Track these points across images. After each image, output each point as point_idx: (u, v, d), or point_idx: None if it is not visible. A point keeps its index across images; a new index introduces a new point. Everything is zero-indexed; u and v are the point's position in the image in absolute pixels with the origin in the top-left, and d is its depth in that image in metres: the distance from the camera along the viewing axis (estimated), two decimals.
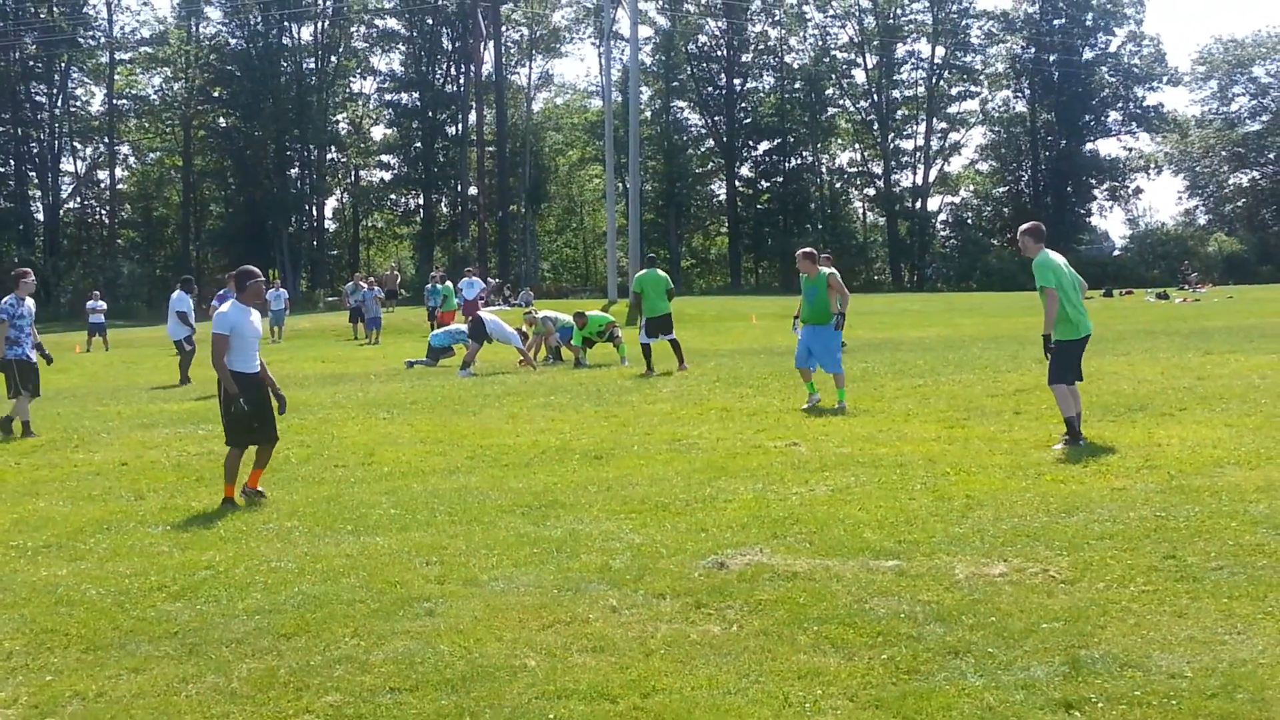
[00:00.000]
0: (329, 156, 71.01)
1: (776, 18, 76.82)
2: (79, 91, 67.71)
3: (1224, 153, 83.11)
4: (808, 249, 14.17)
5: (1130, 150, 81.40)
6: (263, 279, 9.79)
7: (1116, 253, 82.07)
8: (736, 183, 77.51)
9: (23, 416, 13.72)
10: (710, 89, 77.28)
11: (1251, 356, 16.70)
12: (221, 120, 69.03)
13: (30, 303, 13.82)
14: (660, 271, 19.39)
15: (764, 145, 78.28)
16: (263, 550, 7.41)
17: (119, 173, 68.92)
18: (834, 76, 77.20)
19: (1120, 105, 78.61)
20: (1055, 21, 76.27)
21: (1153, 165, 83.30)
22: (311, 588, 6.44)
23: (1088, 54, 76.84)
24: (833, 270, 13.72)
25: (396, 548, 7.30)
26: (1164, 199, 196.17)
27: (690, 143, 77.92)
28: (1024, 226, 10.86)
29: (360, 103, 74.41)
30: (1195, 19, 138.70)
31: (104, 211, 68.99)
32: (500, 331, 21.45)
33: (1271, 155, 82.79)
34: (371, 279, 37.87)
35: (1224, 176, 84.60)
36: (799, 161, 78.13)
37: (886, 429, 11.36)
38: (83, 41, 64.26)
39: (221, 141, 68.57)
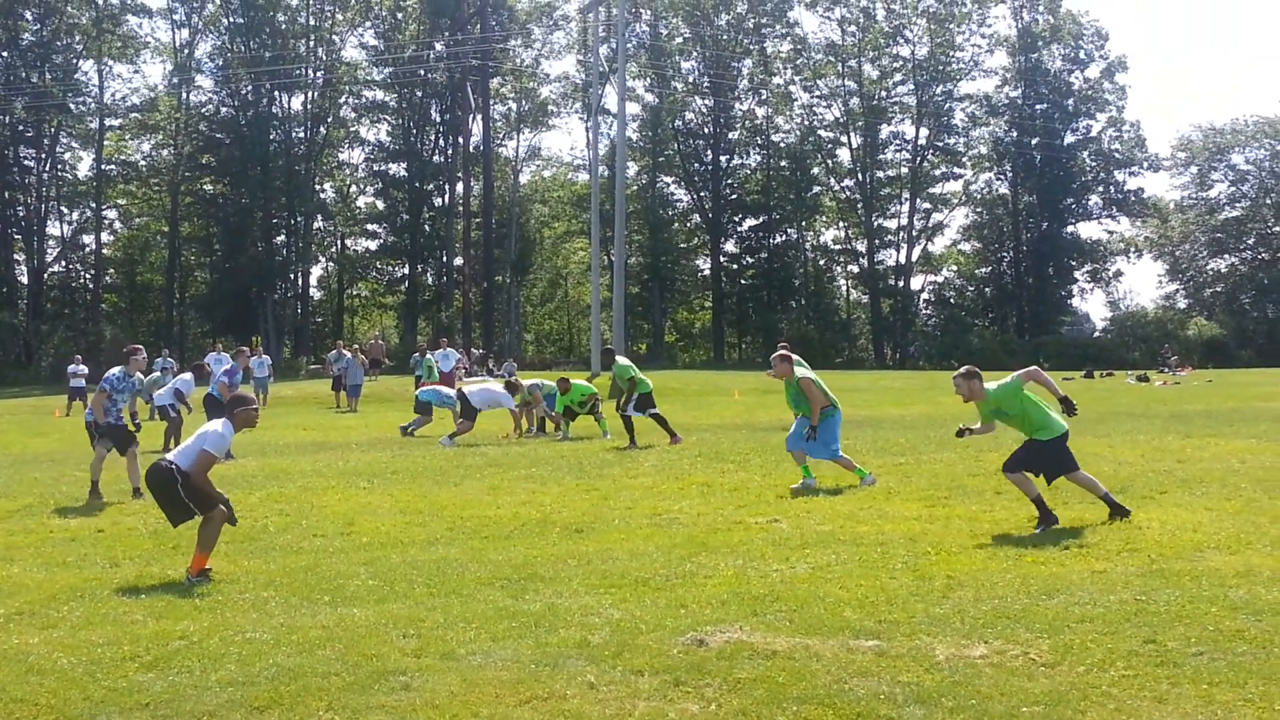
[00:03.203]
0: (315, 225, 71.28)
1: (763, 97, 77.78)
2: (67, 156, 67.99)
3: (1203, 238, 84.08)
4: (782, 351, 14.14)
5: (1111, 234, 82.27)
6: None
7: (1097, 334, 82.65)
8: (721, 258, 77.95)
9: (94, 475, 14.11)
10: (696, 165, 77.97)
11: (1231, 441, 16.79)
12: (209, 187, 69.28)
13: (138, 376, 14.99)
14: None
15: (749, 221, 78.87)
16: (238, 621, 7.34)
17: (104, 237, 69.06)
18: (819, 155, 77.99)
19: (1101, 189, 79.55)
20: (1037, 106, 77.32)
21: (1133, 249, 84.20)
22: (286, 659, 6.37)
23: (1069, 138, 77.88)
24: (804, 373, 13.57)
25: (374, 620, 7.24)
26: (1144, 282, 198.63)
27: (676, 217, 78.46)
28: (962, 372, 11.03)
29: (348, 172, 74.89)
30: (1175, 106, 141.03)
31: (88, 275, 68.96)
32: (487, 398, 21.44)
33: (1250, 241, 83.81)
34: (356, 346, 37.90)
35: (1203, 261, 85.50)
36: (783, 238, 78.71)
37: (868, 507, 11.35)
38: (73, 107, 64.57)
39: (208, 208, 68.81)
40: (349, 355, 35.81)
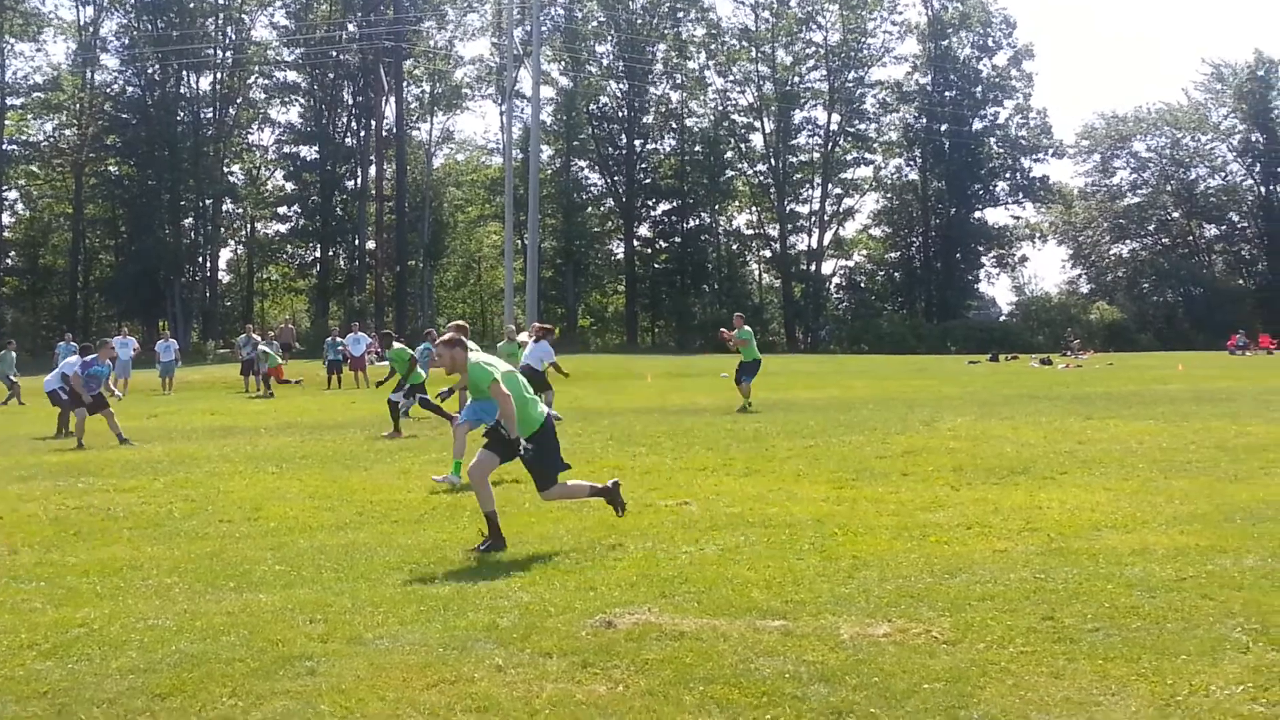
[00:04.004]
0: (224, 207, 70.11)
1: (678, 81, 77.86)
2: None
3: (1106, 224, 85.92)
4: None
5: (1017, 219, 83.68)
6: None
7: (1003, 318, 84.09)
8: (635, 242, 77.99)
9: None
10: (610, 149, 77.86)
11: (1129, 423, 17.20)
12: (114, 168, 67.77)
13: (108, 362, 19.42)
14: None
15: (663, 206, 79.00)
16: (140, 607, 7.22)
17: (5, 219, 67.27)
18: (732, 140, 78.30)
19: (1008, 176, 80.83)
20: (947, 93, 78.29)
21: (1038, 235, 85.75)
22: (190, 646, 6.29)
23: (977, 125, 79.02)
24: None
25: (280, 605, 7.16)
26: (1049, 267, 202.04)
27: (590, 202, 78.28)
28: (445, 338, 9.46)
29: (258, 154, 73.71)
30: (1080, 94, 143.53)
31: None
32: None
33: (1151, 227, 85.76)
34: (271, 333, 37.36)
35: (1106, 247, 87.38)
36: (697, 222, 78.91)
37: (777, 489, 11.46)
38: None
39: (114, 190, 67.27)
40: (259, 339, 35.36)
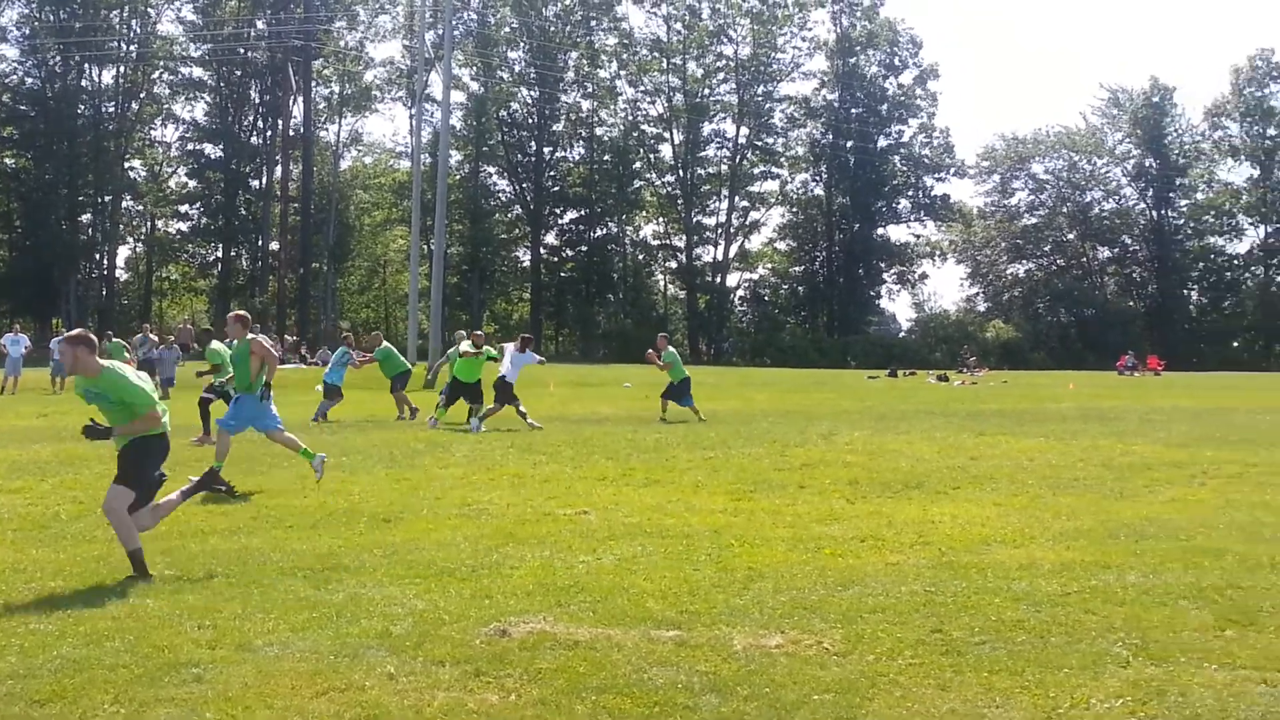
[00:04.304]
0: (124, 204, 68.69)
1: (589, 90, 78.03)
2: None
3: (1004, 244, 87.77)
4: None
5: (918, 237, 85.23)
6: None
7: (902, 334, 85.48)
8: (541, 250, 78.00)
9: None
10: (520, 156, 77.76)
11: (1021, 439, 17.55)
12: (10, 160, 66.08)
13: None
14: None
15: (570, 214, 79.09)
16: (22, 611, 7.05)
17: None
18: (642, 150, 78.64)
19: (910, 193, 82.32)
20: (853, 110, 79.46)
21: (938, 253, 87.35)
22: (72, 651, 6.15)
23: (882, 142, 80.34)
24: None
25: (168, 610, 7.03)
26: (948, 285, 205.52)
27: (497, 208, 78.13)
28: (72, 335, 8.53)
29: (160, 151, 72.33)
30: (982, 115, 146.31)
31: None
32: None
33: (1047, 248, 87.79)
34: (171, 337, 36.57)
35: (1003, 266, 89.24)
36: (604, 232, 79.11)
37: (675, 500, 11.51)
38: None
39: (9, 183, 65.66)
40: (156, 339, 34.67)
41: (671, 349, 23.50)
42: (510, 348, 21.99)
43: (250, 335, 13.09)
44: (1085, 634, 6.49)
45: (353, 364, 23.99)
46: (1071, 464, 14.31)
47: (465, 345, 21.66)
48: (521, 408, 20.68)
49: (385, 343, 24.53)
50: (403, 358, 24.98)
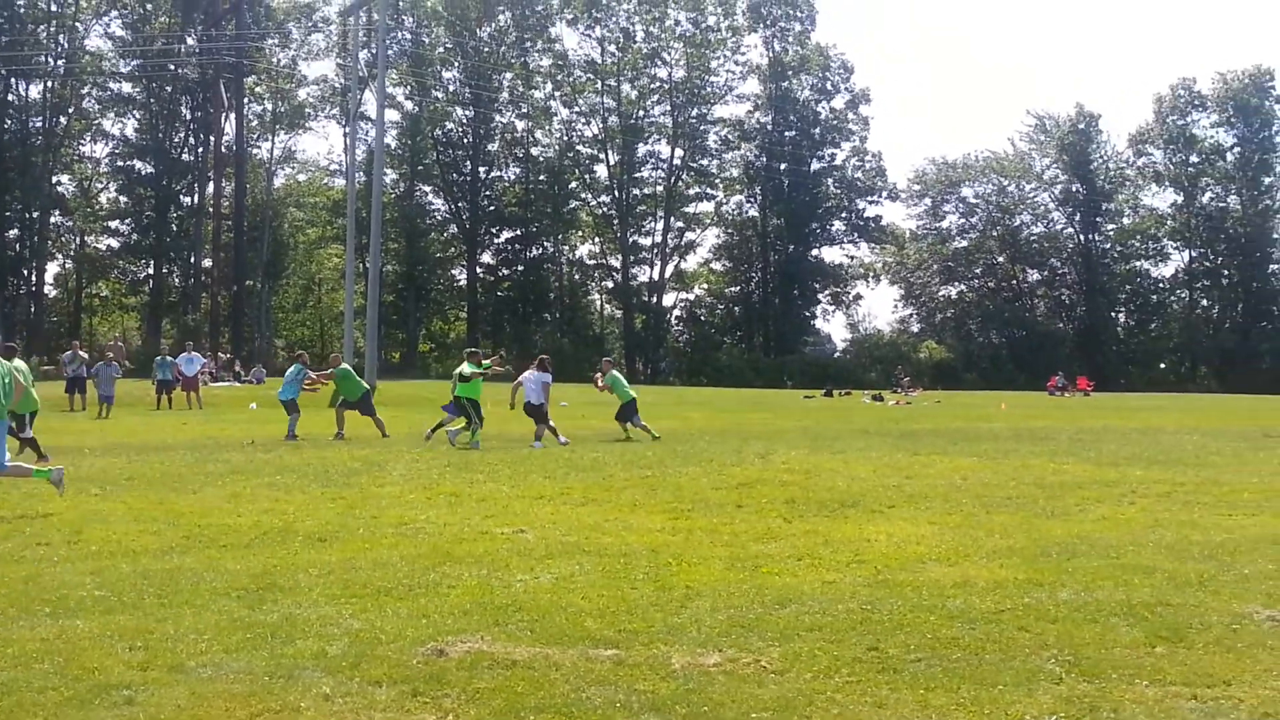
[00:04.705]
0: (52, 220, 67.60)
1: (524, 110, 78.00)
2: None
3: (935, 266, 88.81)
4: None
5: (852, 259, 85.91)
6: None
7: (838, 355, 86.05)
8: (478, 269, 77.78)
9: None
10: (455, 175, 77.53)
11: (955, 459, 17.73)
12: None
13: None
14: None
15: (506, 233, 78.92)
16: None
17: None
18: (577, 170, 78.75)
19: (844, 215, 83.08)
20: (786, 133, 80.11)
21: (872, 274, 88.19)
22: (0, 674, 6.04)
23: (815, 165, 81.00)
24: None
25: (98, 631, 6.92)
26: (882, 306, 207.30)
27: (433, 227, 77.78)
28: None
29: (90, 166, 71.27)
30: (913, 139, 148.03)
31: None
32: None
33: (978, 270, 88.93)
34: (110, 354, 36.02)
35: (935, 288, 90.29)
36: (540, 251, 79.03)
37: (613, 518, 11.51)
38: None
39: None
40: (85, 357, 34.19)
41: (615, 372, 23.58)
42: (531, 372, 21.97)
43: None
44: (1019, 651, 6.57)
45: (308, 381, 23.91)
46: (1004, 483, 14.48)
47: (466, 368, 21.44)
48: (552, 424, 21.53)
49: (344, 363, 24.34)
50: (360, 379, 24.78)
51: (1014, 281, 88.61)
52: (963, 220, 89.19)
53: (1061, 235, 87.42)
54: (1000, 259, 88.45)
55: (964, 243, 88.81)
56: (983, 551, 9.69)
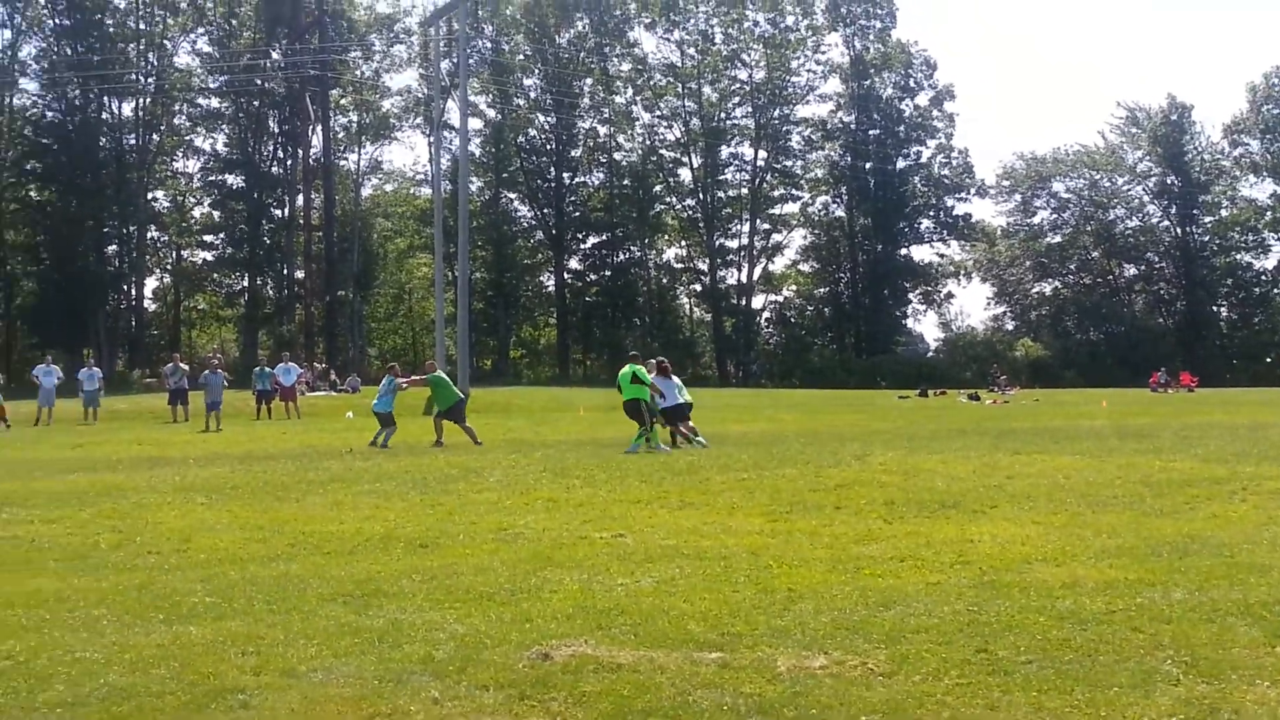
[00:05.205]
0: (149, 235, 69.17)
1: (605, 115, 78.22)
2: None
3: (1028, 262, 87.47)
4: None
5: (942, 257, 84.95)
6: None
7: (930, 354, 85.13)
8: (565, 274, 78.07)
9: None
10: (540, 181, 77.98)
11: (1057, 457, 17.43)
12: (35, 194, 66.60)
13: None
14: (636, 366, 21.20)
15: (593, 239, 79.16)
16: (67, 640, 7.06)
17: None
18: (661, 174, 78.79)
19: (932, 213, 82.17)
20: (870, 131, 79.50)
21: (963, 272, 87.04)
22: (119, 679, 6.16)
23: (901, 163, 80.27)
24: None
25: (211, 637, 7.04)
26: (975, 304, 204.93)
27: (519, 234, 78.30)
28: None
29: (183, 182, 72.82)
30: (1000, 135, 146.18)
31: None
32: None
33: (1072, 266, 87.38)
34: (216, 361, 36.80)
35: (1029, 285, 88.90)
36: (627, 256, 79.16)
37: (712, 521, 11.47)
38: None
39: (35, 215, 66.06)
40: (185, 368, 34.96)
41: (673, 379, 22.69)
42: (655, 377, 22.02)
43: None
44: (1134, 652, 6.43)
45: (400, 387, 24.26)
46: (1109, 481, 14.20)
47: (640, 370, 21.26)
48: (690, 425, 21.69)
49: (438, 370, 24.50)
50: (455, 387, 24.85)
51: (1110, 276, 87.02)
52: (1055, 215, 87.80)
53: (1158, 229, 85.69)
54: (1095, 254, 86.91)
55: (1057, 238, 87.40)
56: (1091, 551, 9.51)
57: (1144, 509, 11.87)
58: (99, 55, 62.85)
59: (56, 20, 64.33)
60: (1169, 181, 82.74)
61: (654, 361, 22.69)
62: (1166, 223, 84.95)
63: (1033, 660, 6.30)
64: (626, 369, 21.28)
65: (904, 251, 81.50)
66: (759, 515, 11.85)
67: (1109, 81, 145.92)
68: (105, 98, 64.81)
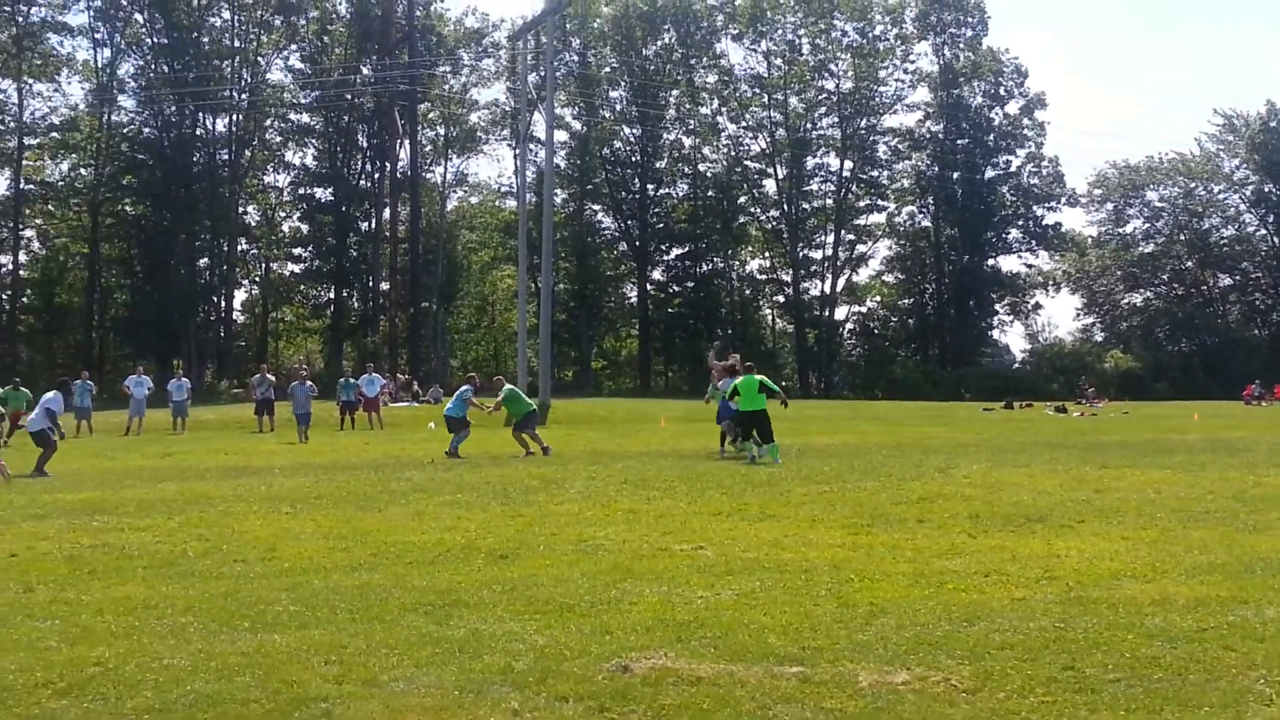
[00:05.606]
0: (239, 248, 70.50)
1: (691, 126, 78.28)
2: None
3: (1119, 273, 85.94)
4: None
5: (1030, 267, 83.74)
6: None
7: (1017, 366, 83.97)
8: (648, 286, 78.15)
9: None
10: (624, 193, 78.19)
11: (1146, 471, 17.11)
12: (130, 208, 68.20)
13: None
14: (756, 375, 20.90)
15: (676, 250, 79.15)
16: (155, 647, 7.19)
17: (21, 258, 67.56)
18: (745, 185, 78.64)
19: (1020, 223, 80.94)
20: (959, 141, 78.60)
21: (1051, 283, 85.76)
22: (205, 686, 6.26)
23: (990, 173, 79.17)
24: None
25: (295, 646, 7.13)
26: (1062, 315, 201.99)
27: (603, 245, 78.54)
28: None
29: (273, 195, 74.14)
30: (1092, 144, 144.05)
31: (4, 296, 67.46)
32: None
33: (1165, 276, 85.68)
34: (304, 372, 37.34)
35: (1119, 296, 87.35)
36: (710, 267, 78.99)
37: (792, 534, 11.40)
38: None
39: (130, 229, 67.67)
40: (272, 379, 35.52)
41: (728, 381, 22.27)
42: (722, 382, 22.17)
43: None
44: (1225, 671, 6.29)
45: (480, 407, 24.48)
46: (1201, 496, 13.91)
47: (760, 380, 20.87)
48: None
49: (507, 385, 24.67)
50: (527, 398, 25.05)
51: (1203, 287, 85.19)
52: (1147, 225, 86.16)
53: (1254, 238, 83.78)
54: (1189, 264, 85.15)
55: (1149, 248, 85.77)
56: (1181, 568, 9.32)
57: (1237, 525, 11.61)
58: (194, 72, 64.32)
59: (154, 39, 65.88)
60: (1266, 189, 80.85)
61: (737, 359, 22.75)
62: (1264, 231, 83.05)
63: (1121, 679, 6.18)
64: (750, 378, 20.72)
65: (991, 262, 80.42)
66: (840, 528, 11.76)
67: (1207, 90, 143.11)
68: (200, 114, 66.26)
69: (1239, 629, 7.19)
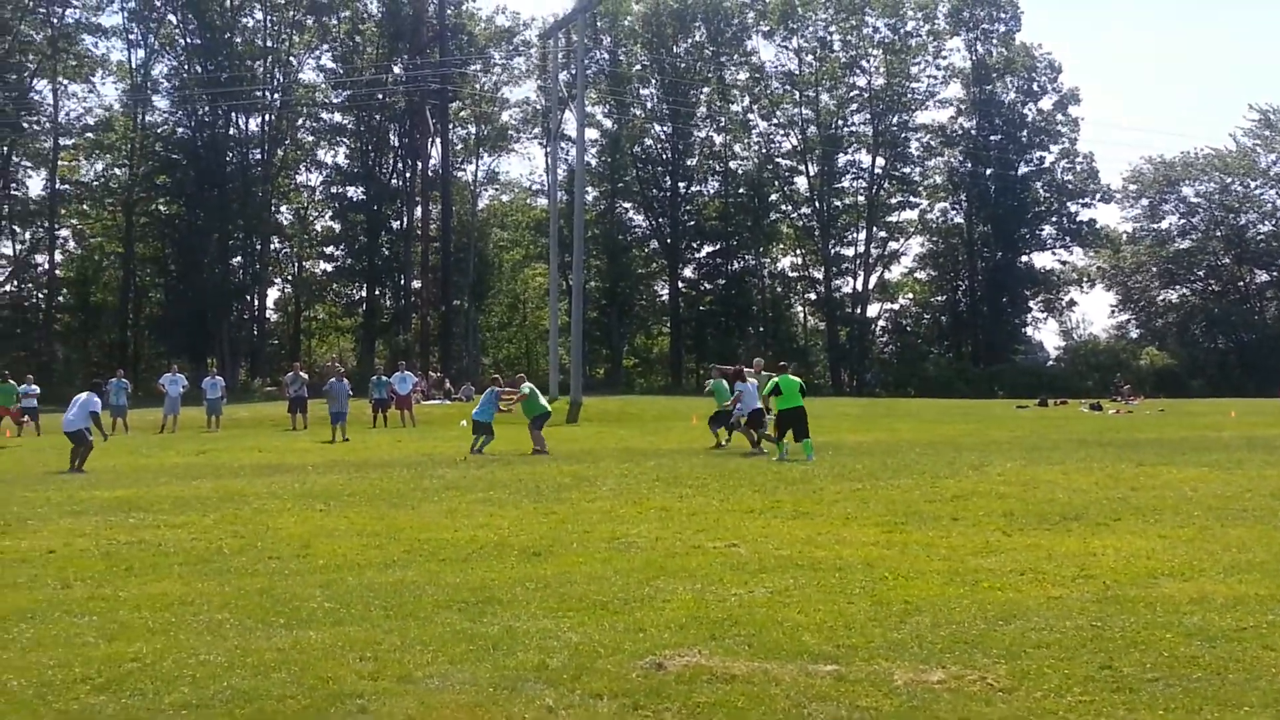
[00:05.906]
0: (272, 247, 70.88)
1: (721, 124, 78.13)
2: (19, 175, 67.08)
3: (1155, 269, 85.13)
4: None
5: (1064, 264, 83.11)
6: None
7: (1051, 363, 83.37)
8: (680, 283, 78.07)
9: None
10: (655, 191, 78.15)
11: (1183, 469, 16.97)
12: (164, 207, 68.68)
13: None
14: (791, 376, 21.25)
15: (707, 248, 79.04)
16: (192, 643, 7.24)
17: (57, 257, 68.14)
18: (777, 183, 78.44)
19: (1054, 220, 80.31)
20: (991, 137, 78.08)
21: (1086, 279, 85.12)
22: (241, 682, 6.30)
23: (1023, 169, 78.57)
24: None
25: (330, 642, 7.16)
26: (1097, 312, 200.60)
27: (634, 243, 78.51)
28: None
29: (305, 194, 74.51)
30: (1127, 139, 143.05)
31: (40, 295, 68.14)
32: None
33: (1201, 273, 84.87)
34: (340, 369, 37.42)
35: (1155, 292, 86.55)
36: (741, 265, 78.83)
37: (825, 532, 11.37)
38: (27, 126, 63.95)
39: (164, 229, 68.17)
40: (304, 376, 35.66)
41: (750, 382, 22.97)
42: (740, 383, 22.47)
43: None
44: (1264, 671, 6.24)
45: (501, 405, 24.54)
46: (1239, 494, 13.79)
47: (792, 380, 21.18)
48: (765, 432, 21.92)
49: (528, 383, 24.76)
50: (543, 400, 25.15)
51: (1240, 283, 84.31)
52: (1183, 220, 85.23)
53: None
54: (1225, 260, 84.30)
55: (1185, 244, 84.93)
56: (1219, 566, 9.24)
57: (1275, 522, 11.51)
58: (227, 73, 64.73)
59: (188, 39, 66.39)
60: None
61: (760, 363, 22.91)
62: None
63: (1159, 678, 6.14)
64: (788, 378, 21.09)
65: (1025, 258, 79.86)
66: (874, 526, 11.72)
67: (1243, 85, 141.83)
68: (233, 114, 66.67)
69: (1279, 628, 7.12)
